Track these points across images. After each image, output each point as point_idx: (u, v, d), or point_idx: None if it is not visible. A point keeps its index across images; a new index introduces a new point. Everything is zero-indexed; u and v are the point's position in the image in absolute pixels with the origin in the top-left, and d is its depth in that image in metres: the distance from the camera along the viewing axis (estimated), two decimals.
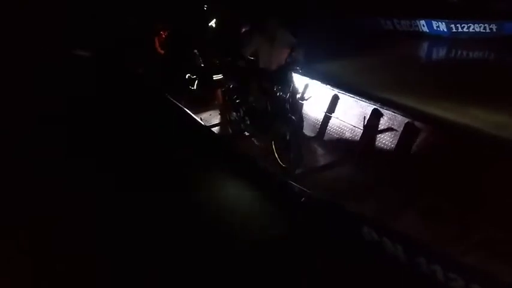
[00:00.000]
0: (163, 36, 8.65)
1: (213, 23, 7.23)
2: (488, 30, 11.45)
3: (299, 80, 5.68)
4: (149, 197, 4.94)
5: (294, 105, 5.53)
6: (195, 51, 7.42)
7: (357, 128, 5.46)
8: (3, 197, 4.96)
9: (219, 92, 6.91)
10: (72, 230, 4.34)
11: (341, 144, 5.52)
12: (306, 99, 5.79)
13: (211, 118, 7.04)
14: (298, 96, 5.62)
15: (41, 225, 4.46)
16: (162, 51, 8.69)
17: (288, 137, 4.97)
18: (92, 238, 4.22)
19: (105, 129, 6.84)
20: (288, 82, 5.12)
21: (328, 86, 6.13)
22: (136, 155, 5.95)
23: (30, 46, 10.36)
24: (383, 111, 5.22)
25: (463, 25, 11.90)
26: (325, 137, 5.82)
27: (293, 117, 5.26)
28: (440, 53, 11.14)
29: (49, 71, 9.39)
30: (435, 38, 12.03)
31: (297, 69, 5.28)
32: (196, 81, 7.54)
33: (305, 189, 4.48)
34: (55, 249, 4.12)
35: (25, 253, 4.07)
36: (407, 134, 4.83)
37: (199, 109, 7.08)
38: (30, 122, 7.09)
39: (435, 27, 12.53)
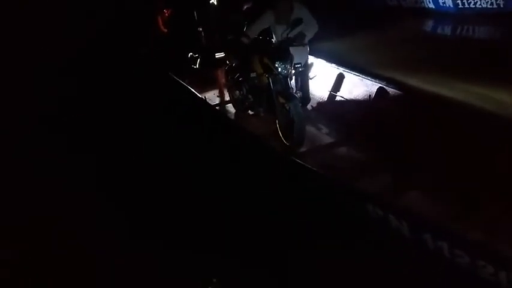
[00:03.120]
0: (167, 14, 8.57)
1: (214, 0, 7.14)
2: (495, 5, 11.22)
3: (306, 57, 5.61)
4: (149, 195, 4.94)
5: (302, 82, 5.49)
6: (199, 29, 7.34)
7: (361, 107, 5.43)
8: (3, 197, 4.97)
9: (219, 71, 6.87)
10: (72, 230, 4.35)
11: (345, 123, 5.50)
12: (311, 78, 5.76)
13: (215, 97, 7.02)
14: (306, 73, 5.57)
15: (41, 225, 4.47)
16: (166, 30, 8.62)
17: (291, 115, 4.95)
18: (92, 238, 4.23)
19: (109, 118, 6.81)
20: (290, 58, 5.06)
21: (333, 65, 6.08)
22: (140, 144, 5.93)
23: (30, 46, 10.26)
24: (388, 89, 5.18)
25: (469, 1, 11.67)
26: (330, 116, 5.79)
27: (296, 94, 5.23)
28: (446, 29, 10.95)
29: (49, 68, 9.31)
30: (441, 15, 11.82)
31: (303, 44, 5.21)
32: (199, 60, 7.49)
33: (309, 166, 4.48)
34: (55, 249, 4.15)
35: (25, 253, 4.09)
36: (412, 113, 4.80)
37: (204, 88, 7.05)
38: (30, 122, 7.04)
39: (441, 3, 12.28)
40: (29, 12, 11.01)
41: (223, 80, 6.79)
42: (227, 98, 6.69)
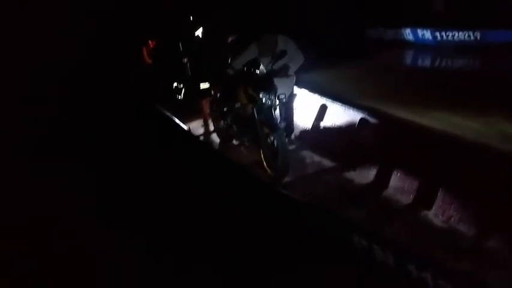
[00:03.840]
0: (151, 46, 8.65)
1: (199, 33, 7.25)
2: (472, 38, 11.62)
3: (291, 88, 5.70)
4: (146, 198, 4.94)
5: (286, 112, 5.56)
6: (184, 60, 7.43)
7: (344, 136, 5.49)
8: (3, 197, 4.96)
9: (203, 102, 6.92)
10: (72, 230, 4.34)
11: (329, 152, 5.54)
12: (295, 108, 5.83)
13: (200, 127, 7.04)
14: (290, 103, 5.65)
15: (41, 225, 4.45)
16: (150, 61, 8.69)
17: (275, 144, 4.98)
18: (92, 238, 4.21)
19: (102, 132, 6.83)
20: (274, 89, 5.13)
21: (316, 95, 6.17)
22: (129, 155, 5.95)
23: (30, 46, 10.30)
24: (371, 119, 5.26)
25: (447, 33, 12.06)
26: (313, 145, 5.84)
27: (280, 124, 5.28)
28: (425, 61, 11.26)
29: (49, 72, 9.36)
30: (421, 47, 12.17)
31: (287, 75, 5.30)
32: (183, 91, 7.55)
33: (293, 196, 4.48)
34: (55, 249, 4.12)
35: (25, 253, 4.06)
36: (395, 142, 4.86)
37: (188, 118, 7.07)
38: (31, 122, 7.05)
39: (420, 36, 12.69)
40: (28, 28, 11.06)
41: (208, 110, 6.82)
42: (212, 128, 6.71)
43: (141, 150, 6.10)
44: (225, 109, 5.94)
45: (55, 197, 4.93)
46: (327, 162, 5.45)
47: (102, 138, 6.52)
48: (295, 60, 5.35)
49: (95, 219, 4.52)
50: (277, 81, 5.20)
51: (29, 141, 6.35)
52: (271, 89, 5.10)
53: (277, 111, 5.43)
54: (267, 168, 5.18)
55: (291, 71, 5.38)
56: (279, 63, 5.28)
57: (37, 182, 5.26)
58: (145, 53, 8.73)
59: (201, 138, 6.73)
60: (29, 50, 10.22)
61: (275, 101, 5.15)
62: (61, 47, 10.61)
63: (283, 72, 5.26)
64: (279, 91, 5.17)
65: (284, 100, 5.33)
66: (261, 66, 5.49)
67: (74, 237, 4.21)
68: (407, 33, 12.92)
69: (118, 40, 10.26)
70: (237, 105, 5.52)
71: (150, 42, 8.69)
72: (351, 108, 5.56)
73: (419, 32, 12.62)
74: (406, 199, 4.42)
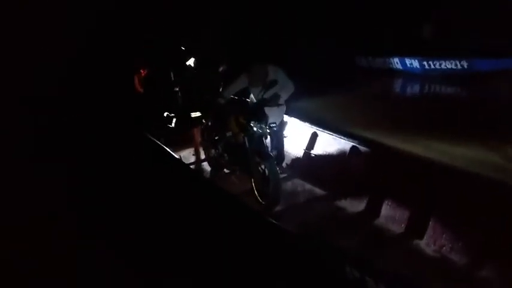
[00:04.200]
0: (143, 74, 8.68)
1: (191, 62, 7.32)
2: (459, 67, 11.87)
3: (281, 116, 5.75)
4: (146, 199, 4.86)
5: (277, 141, 5.59)
6: (176, 88, 7.47)
7: (335, 165, 5.51)
8: (3, 197, 4.89)
9: (195, 130, 6.93)
10: (72, 230, 4.30)
11: (320, 181, 5.55)
12: (285, 137, 5.86)
13: (191, 156, 7.03)
14: (280, 132, 5.69)
15: (41, 225, 4.40)
16: (142, 90, 8.70)
17: (266, 173, 4.99)
18: (91, 238, 4.15)
19: (102, 132, 6.82)
20: (265, 118, 5.17)
21: (307, 123, 6.22)
22: (129, 156, 5.93)
23: (30, 46, 10.32)
24: (362, 148, 5.29)
25: (435, 62, 12.31)
26: (305, 174, 5.84)
27: (271, 152, 5.30)
28: (413, 89, 11.47)
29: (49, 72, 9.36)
30: (409, 75, 12.39)
31: (278, 104, 5.36)
32: (175, 119, 7.56)
33: (284, 226, 4.45)
34: (55, 249, 4.06)
35: (25, 253, 3.99)
36: (386, 171, 4.88)
37: (179, 147, 7.07)
38: (31, 122, 7.01)
39: (408, 65, 12.94)
40: (28, 28, 11.08)
41: (199, 139, 6.83)
42: (203, 156, 6.71)
43: (140, 150, 6.07)
44: (216, 138, 5.95)
45: (55, 197, 4.88)
46: (318, 191, 5.44)
47: (102, 138, 6.48)
48: (285, 89, 5.41)
49: (95, 219, 4.48)
50: (268, 110, 5.25)
51: (29, 141, 6.33)
52: (262, 118, 5.13)
53: (268, 140, 5.46)
54: (258, 197, 5.16)
55: (282, 100, 5.44)
56: (270, 93, 5.34)
57: (37, 182, 5.22)
58: (136, 81, 8.75)
59: (192, 166, 6.71)
60: (29, 50, 10.23)
61: (266, 130, 5.18)
62: (61, 47, 10.65)
63: (273, 101, 5.31)
64: (270, 120, 5.21)
65: (275, 129, 5.37)
66: (252, 96, 5.56)
67: (74, 237, 4.18)
68: (396, 62, 13.17)
69: (118, 39, 10.36)
70: (228, 134, 5.55)
71: (141, 70, 8.72)
72: (341, 136, 5.60)
73: (407, 61, 12.87)
74: (398, 228, 4.41)
